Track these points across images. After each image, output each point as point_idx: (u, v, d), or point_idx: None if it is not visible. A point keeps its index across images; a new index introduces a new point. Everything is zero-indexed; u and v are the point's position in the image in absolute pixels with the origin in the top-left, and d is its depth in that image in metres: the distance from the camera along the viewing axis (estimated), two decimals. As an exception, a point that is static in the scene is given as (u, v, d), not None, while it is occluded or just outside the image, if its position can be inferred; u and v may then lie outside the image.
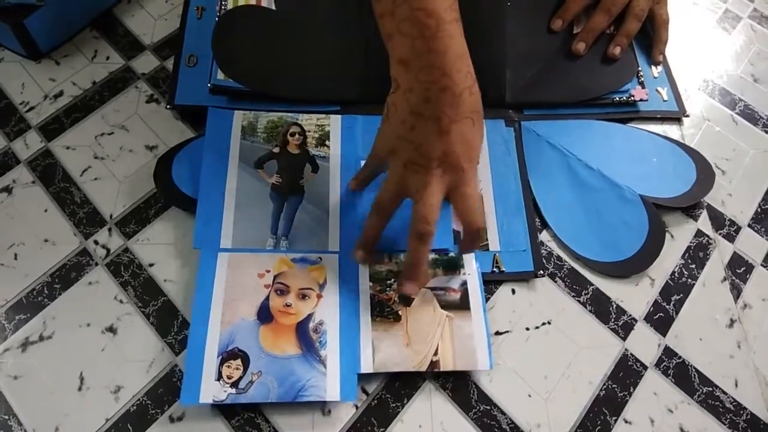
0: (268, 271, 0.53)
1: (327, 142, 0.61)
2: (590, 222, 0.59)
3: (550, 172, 0.62)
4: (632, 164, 0.62)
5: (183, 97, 0.62)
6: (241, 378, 0.49)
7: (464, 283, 0.54)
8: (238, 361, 0.49)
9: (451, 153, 0.47)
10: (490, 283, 0.56)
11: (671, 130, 0.66)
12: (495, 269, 0.56)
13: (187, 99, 0.62)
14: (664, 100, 0.67)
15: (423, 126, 0.47)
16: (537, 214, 0.60)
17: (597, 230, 0.59)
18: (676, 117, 0.67)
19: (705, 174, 0.62)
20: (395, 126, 0.48)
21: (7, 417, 0.49)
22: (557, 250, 0.58)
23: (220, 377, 0.49)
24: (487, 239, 0.57)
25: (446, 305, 0.53)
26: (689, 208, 0.61)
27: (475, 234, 0.49)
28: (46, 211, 0.58)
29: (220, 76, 0.60)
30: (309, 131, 0.61)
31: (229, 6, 0.64)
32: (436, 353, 0.51)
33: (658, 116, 0.66)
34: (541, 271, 0.56)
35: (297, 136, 0.61)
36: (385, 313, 0.53)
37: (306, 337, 0.51)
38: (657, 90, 0.68)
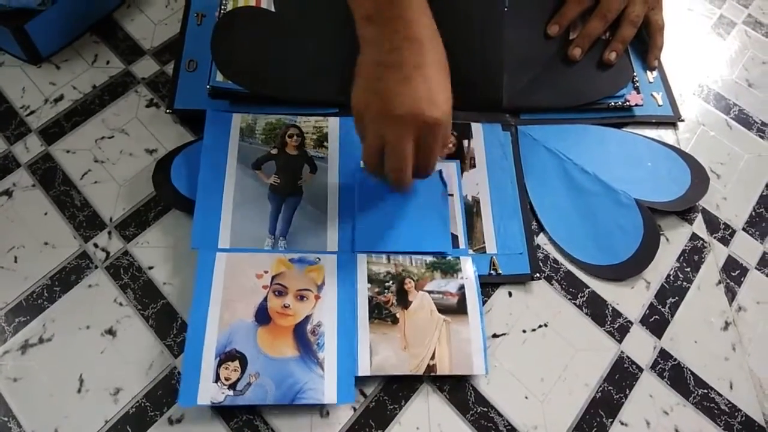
0: (266, 272, 0.54)
1: (325, 143, 0.61)
2: (586, 225, 0.59)
3: (546, 176, 0.62)
4: (627, 168, 0.62)
5: (182, 102, 0.62)
6: (238, 380, 0.49)
7: (461, 288, 0.55)
8: (236, 363, 0.50)
9: (416, 100, 0.47)
10: (487, 285, 0.57)
11: (666, 135, 0.67)
12: (492, 272, 0.56)
13: (186, 103, 0.62)
14: (659, 105, 0.68)
15: (388, 75, 0.48)
16: (533, 218, 0.60)
17: (592, 234, 0.59)
18: (671, 122, 0.67)
19: (699, 178, 0.62)
20: (364, 81, 0.50)
21: (6, 419, 0.49)
22: (554, 254, 0.59)
23: (217, 379, 0.49)
24: (484, 242, 0.58)
25: (443, 309, 0.54)
26: (684, 212, 0.62)
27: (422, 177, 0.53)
28: (46, 214, 0.58)
29: (219, 78, 0.61)
30: (307, 133, 0.62)
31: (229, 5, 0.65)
32: (433, 357, 0.51)
33: (653, 121, 0.67)
34: (538, 274, 0.57)
35: (295, 137, 0.61)
36: (383, 315, 0.53)
37: (304, 339, 0.51)
38: (652, 95, 0.68)
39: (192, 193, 0.57)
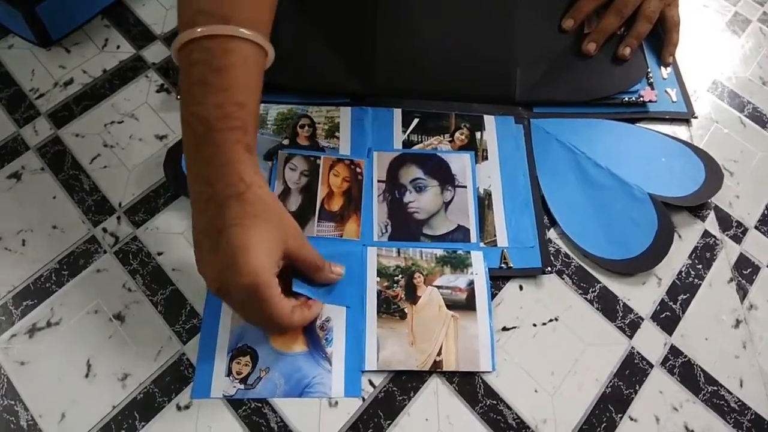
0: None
1: (336, 134, 0.61)
2: (599, 219, 0.59)
3: (558, 170, 0.62)
4: (641, 163, 0.62)
5: None
6: (249, 374, 0.49)
7: (471, 283, 0.54)
8: (247, 358, 0.50)
9: (221, 270, 0.43)
10: (498, 279, 0.56)
11: (680, 131, 0.66)
12: (503, 265, 0.56)
13: None
14: (673, 102, 0.67)
15: (203, 242, 0.44)
16: (545, 211, 0.60)
17: (606, 227, 0.59)
18: (684, 118, 0.67)
19: (714, 174, 0.62)
20: (195, 247, 0.46)
21: (13, 402, 0.49)
22: (565, 248, 0.58)
23: (229, 373, 0.49)
24: (495, 235, 0.57)
25: (452, 304, 0.53)
26: (697, 208, 0.61)
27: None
28: (54, 197, 0.58)
29: None
30: (318, 123, 0.61)
31: None
32: (439, 353, 0.51)
33: (667, 117, 0.66)
34: (549, 268, 0.56)
35: (306, 128, 0.61)
36: (391, 310, 0.53)
37: (313, 334, 0.51)
38: (666, 91, 0.68)
39: None
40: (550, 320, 0.55)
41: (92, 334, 0.52)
